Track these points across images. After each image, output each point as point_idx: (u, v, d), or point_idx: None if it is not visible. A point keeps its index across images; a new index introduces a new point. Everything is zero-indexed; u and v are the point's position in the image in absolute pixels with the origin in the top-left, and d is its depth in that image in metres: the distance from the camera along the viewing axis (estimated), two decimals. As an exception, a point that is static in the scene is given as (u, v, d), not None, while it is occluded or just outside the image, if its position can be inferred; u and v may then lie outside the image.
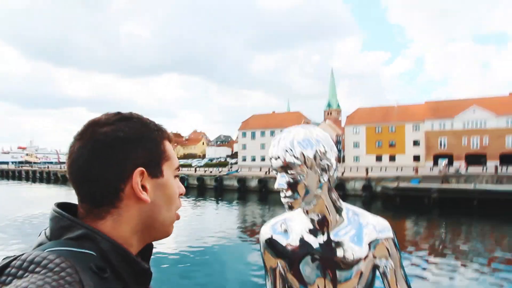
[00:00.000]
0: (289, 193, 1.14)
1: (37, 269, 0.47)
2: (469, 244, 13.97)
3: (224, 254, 12.17)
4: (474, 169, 33.76)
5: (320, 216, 1.21)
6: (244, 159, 69.08)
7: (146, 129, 0.65)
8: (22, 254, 0.50)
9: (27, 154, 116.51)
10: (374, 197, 26.64)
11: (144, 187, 0.62)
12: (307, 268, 1.23)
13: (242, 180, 34.75)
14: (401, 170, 36.77)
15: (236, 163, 66.76)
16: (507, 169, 32.44)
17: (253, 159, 68.18)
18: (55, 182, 52.56)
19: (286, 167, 1.12)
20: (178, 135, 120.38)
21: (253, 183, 34.38)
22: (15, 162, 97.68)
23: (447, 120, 52.58)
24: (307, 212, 1.22)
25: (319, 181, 1.15)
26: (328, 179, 1.18)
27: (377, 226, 1.22)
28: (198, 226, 17.06)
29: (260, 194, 31.47)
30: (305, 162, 1.12)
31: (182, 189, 0.72)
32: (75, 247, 0.54)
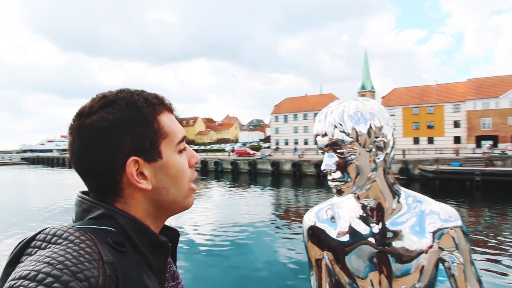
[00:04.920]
0: (338, 175, 0.99)
1: (59, 241, 0.50)
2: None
3: (257, 239, 12.27)
4: (521, 151, 31.82)
5: (374, 202, 1.05)
6: (277, 143, 69.00)
7: (133, 111, 0.60)
8: (46, 228, 0.53)
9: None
10: (412, 181, 25.89)
11: (143, 174, 0.61)
12: (358, 260, 1.08)
13: (275, 164, 34.77)
14: (441, 152, 35.34)
15: (269, 147, 66.74)
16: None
17: (286, 143, 67.97)
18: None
19: (334, 145, 0.97)
20: (210, 120, 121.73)
21: (287, 167, 34.35)
22: (59, 150, 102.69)
23: (492, 99, 49.58)
24: (358, 197, 1.07)
25: (373, 161, 0.99)
26: (384, 159, 1.01)
27: (442, 214, 1.04)
28: (231, 211, 17.34)
29: (294, 178, 31.45)
30: (357, 139, 0.96)
31: (196, 158, 0.69)
32: (95, 225, 0.56)
